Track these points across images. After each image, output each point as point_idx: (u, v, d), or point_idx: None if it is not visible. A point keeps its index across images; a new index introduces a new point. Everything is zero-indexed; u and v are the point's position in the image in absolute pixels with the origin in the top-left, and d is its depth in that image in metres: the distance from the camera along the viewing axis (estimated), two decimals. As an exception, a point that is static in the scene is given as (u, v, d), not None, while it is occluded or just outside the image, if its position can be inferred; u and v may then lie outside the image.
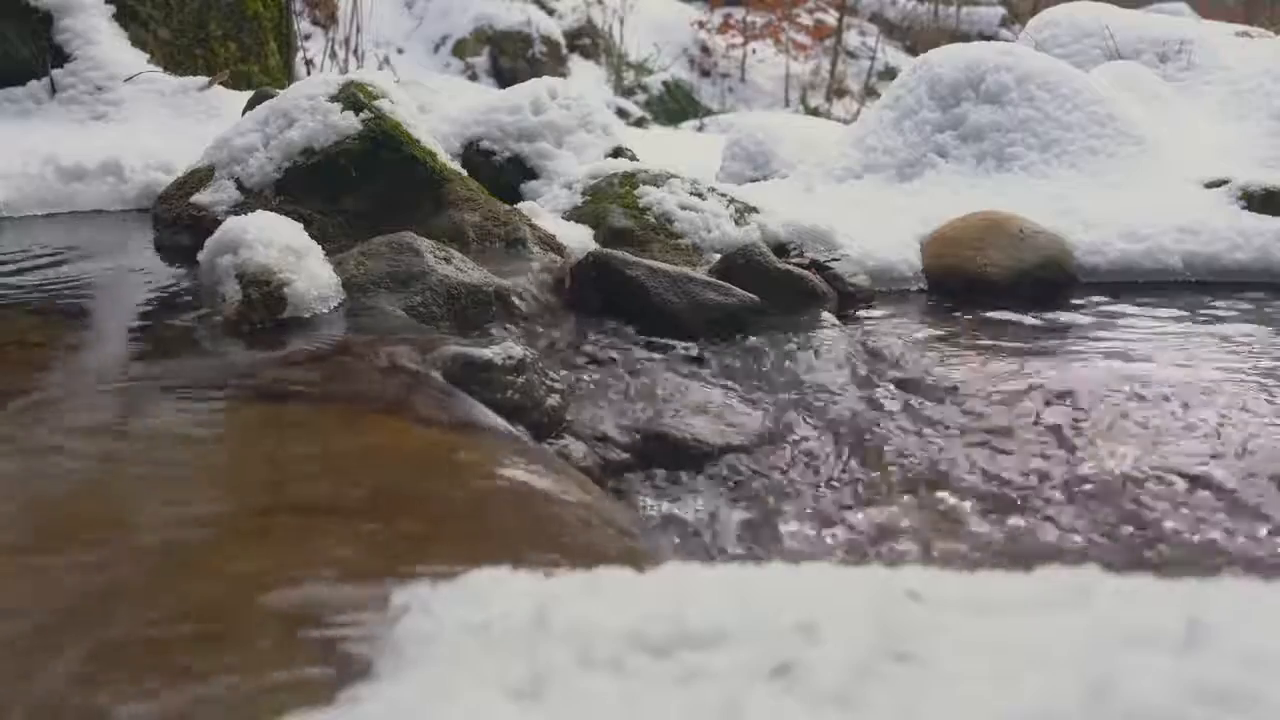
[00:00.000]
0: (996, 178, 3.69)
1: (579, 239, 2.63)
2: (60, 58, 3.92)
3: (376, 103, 2.49)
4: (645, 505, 1.51)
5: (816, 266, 2.66)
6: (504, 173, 3.21)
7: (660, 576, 0.80)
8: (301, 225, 1.93)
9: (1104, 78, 4.21)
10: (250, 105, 3.00)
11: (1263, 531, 1.47)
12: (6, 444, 1.25)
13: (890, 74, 11.22)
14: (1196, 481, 1.62)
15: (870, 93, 11.39)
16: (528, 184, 3.20)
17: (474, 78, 10.06)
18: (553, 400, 1.65)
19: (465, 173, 2.68)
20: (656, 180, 2.99)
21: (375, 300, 1.85)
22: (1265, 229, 3.31)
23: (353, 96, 2.50)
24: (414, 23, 10.73)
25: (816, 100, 11.67)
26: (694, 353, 2.01)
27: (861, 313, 2.65)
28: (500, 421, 1.47)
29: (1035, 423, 1.86)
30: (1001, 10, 13.80)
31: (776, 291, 2.33)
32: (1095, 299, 3.01)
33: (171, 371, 1.59)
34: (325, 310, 1.81)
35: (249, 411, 1.44)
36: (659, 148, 4.39)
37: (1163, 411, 1.92)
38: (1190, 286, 3.20)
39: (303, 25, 7.39)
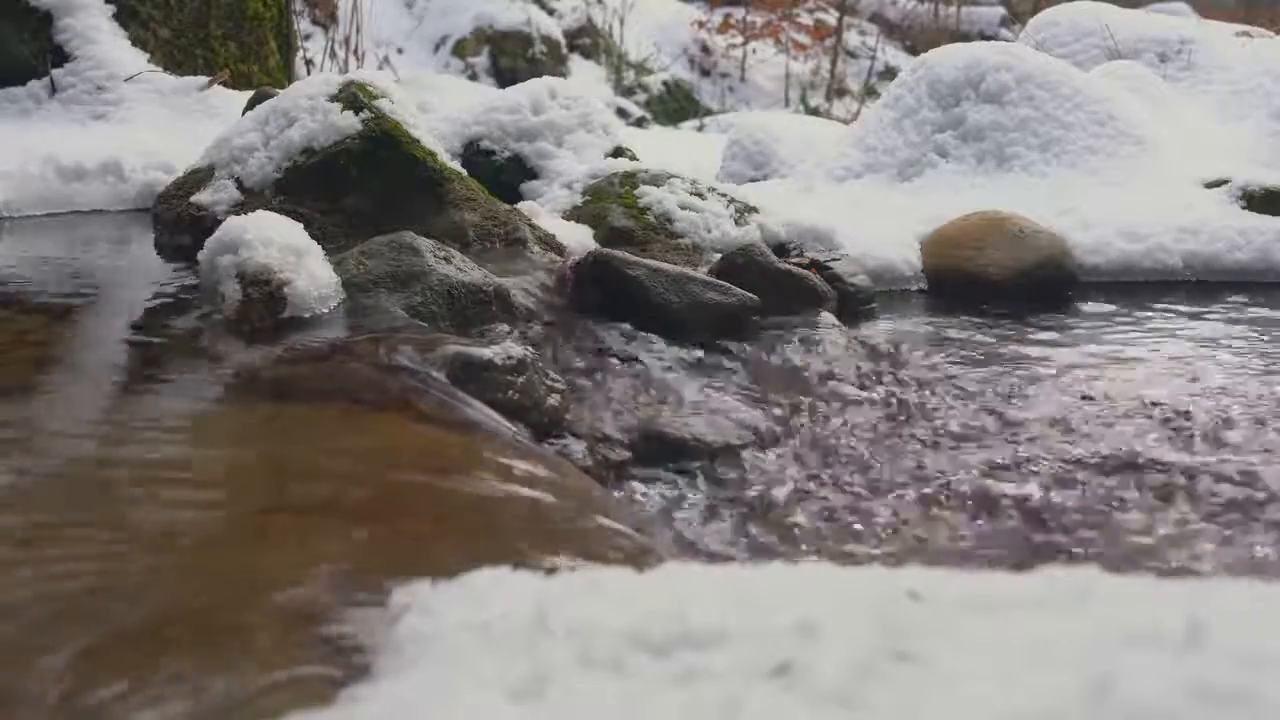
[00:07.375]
0: (996, 177, 3.69)
1: (579, 239, 2.62)
2: (60, 57, 3.91)
3: (376, 102, 2.49)
4: (645, 505, 1.51)
5: (817, 266, 2.65)
6: (504, 172, 3.20)
7: (660, 576, 0.80)
8: (301, 225, 1.93)
9: (1104, 77, 4.21)
10: (250, 105, 2.99)
11: (1262, 534, 1.47)
12: (6, 443, 1.25)
13: (890, 74, 11.21)
14: (1195, 478, 1.62)
15: (870, 93, 11.39)
16: (528, 184, 3.19)
17: (474, 78, 10.05)
18: (552, 400, 1.65)
19: (465, 172, 2.68)
20: (656, 180, 2.99)
21: (375, 300, 1.85)
22: (1265, 229, 3.31)
23: (353, 96, 2.50)
24: (414, 22, 10.73)
25: (816, 100, 11.66)
26: (694, 352, 2.01)
27: (862, 312, 2.65)
28: (500, 421, 1.47)
29: (1035, 422, 1.86)
30: (1001, 10, 13.79)
31: (777, 291, 2.33)
32: (1095, 298, 3.01)
33: (172, 371, 1.59)
34: (325, 310, 1.81)
35: (249, 411, 1.44)
36: (659, 147, 4.39)
37: (1159, 409, 1.92)
38: (1190, 286, 3.20)
39: (303, 25, 7.39)
